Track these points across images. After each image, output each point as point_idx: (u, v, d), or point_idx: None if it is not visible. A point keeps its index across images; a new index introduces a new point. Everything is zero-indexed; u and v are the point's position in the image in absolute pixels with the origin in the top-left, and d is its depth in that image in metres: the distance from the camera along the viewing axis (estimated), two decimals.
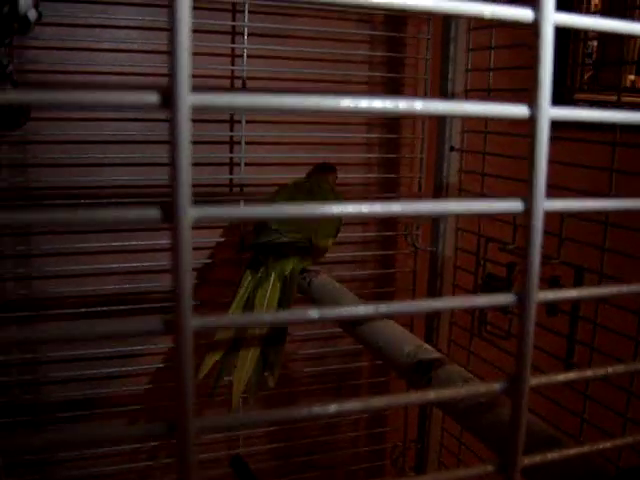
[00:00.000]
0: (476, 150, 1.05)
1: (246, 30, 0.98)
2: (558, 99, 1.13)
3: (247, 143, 1.02)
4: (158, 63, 0.96)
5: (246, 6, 0.97)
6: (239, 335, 0.76)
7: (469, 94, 1.07)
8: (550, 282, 0.93)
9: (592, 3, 1.19)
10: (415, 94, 1.14)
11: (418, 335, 1.14)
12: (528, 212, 0.26)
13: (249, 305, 0.78)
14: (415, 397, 0.28)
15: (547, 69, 0.25)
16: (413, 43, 1.13)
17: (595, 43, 1.23)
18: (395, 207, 0.25)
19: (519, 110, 0.25)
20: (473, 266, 1.07)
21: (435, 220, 1.12)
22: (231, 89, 1.02)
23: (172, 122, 0.21)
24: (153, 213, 0.22)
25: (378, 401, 0.26)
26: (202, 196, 0.97)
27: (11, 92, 0.21)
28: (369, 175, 1.14)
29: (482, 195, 1.05)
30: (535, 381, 0.27)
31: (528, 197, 0.26)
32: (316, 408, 0.25)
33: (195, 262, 1.01)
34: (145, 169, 0.98)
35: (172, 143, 0.21)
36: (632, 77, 1.29)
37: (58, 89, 0.21)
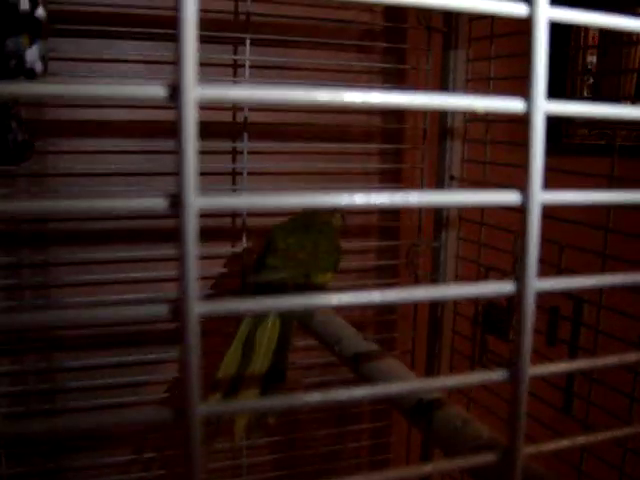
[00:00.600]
0: (476, 180, 1.07)
1: (247, 63, 1.00)
2: (556, 124, 1.14)
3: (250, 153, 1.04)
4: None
5: (247, 41, 0.99)
6: (239, 373, 0.76)
7: (469, 84, 1.09)
8: (550, 312, 0.94)
9: (589, 36, 1.21)
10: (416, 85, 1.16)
11: (419, 361, 1.16)
12: (525, 204, 0.26)
13: (249, 342, 0.78)
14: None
15: (542, 63, 0.26)
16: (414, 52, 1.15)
17: (595, 58, 1.25)
18: (397, 197, 0.26)
19: (514, 104, 0.26)
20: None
21: (436, 248, 1.12)
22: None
23: (178, 112, 0.22)
24: (159, 202, 0.23)
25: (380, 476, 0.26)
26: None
27: (30, 85, 0.22)
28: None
29: (482, 224, 1.06)
30: (529, 451, 0.28)
31: (525, 190, 0.26)
32: (316, 395, 0.26)
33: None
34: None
35: (178, 132, 0.22)
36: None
37: (71, 83, 0.22)
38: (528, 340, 0.27)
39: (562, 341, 0.94)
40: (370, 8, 1.10)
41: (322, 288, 0.86)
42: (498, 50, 1.04)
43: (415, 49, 1.12)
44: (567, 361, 0.29)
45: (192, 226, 0.22)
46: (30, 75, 0.62)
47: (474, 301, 1.08)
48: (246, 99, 0.23)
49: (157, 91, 0.22)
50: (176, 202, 0.22)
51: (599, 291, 0.88)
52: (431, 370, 1.16)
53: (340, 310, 0.95)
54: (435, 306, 1.15)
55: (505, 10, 0.26)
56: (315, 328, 0.83)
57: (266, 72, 1.05)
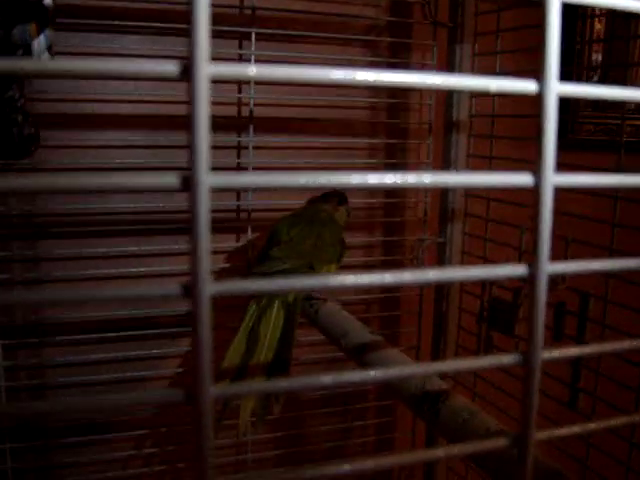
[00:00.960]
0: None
1: (253, 57, 1.00)
2: (562, 101, 1.15)
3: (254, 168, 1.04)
4: (168, 90, 0.97)
5: (253, 35, 0.99)
6: (244, 363, 0.76)
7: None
8: (556, 307, 0.94)
9: (594, 29, 1.21)
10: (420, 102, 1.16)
11: (424, 357, 1.16)
12: (537, 186, 0.26)
13: (254, 333, 0.79)
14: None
15: (554, 44, 0.26)
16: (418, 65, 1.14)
17: (600, 56, 1.25)
18: (410, 178, 0.26)
19: (527, 86, 0.26)
20: (479, 290, 1.07)
21: (441, 244, 1.12)
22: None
23: (191, 89, 0.22)
24: (171, 180, 0.23)
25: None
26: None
27: (47, 62, 0.22)
28: (373, 200, 1.15)
29: (487, 219, 1.06)
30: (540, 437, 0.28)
31: (537, 172, 0.26)
32: (326, 378, 0.26)
33: None
34: (155, 194, 0.99)
35: (190, 109, 0.22)
36: None
37: (82, 61, 0.22)
38: (541, 323, 0.27)
39: (568, 336, 0.94)
40: (375, 3, 1.10)
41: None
42: (504, 45, 1.04)
43: (421, 44, 1.12)
44: (578, 346, 0.29)
45: (204, 203, 0.22)
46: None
47: (479, 296, 1.07)
48: (258, 76, 0.23)
49: (170, 68, 0.22)
50: (188, 180, 0.22)
51: (605, 286, 0.88)
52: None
53: (345, 305, 0.95)
54: (440, 302, 1.14)
55: None
56: (320, 322, 0.84)
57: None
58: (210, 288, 0.23)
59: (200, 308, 0.23)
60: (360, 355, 0.73)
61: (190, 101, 0.22)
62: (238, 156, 1.05)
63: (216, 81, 0.22)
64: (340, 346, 0.77)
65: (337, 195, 0.96)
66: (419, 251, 1.12)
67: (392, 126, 1.16)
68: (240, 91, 1.04)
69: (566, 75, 1.21)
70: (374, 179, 0.25)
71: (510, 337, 1.02)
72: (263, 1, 1.00)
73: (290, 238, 0.85)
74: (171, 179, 0.23)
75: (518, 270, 0.27)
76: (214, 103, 0.85)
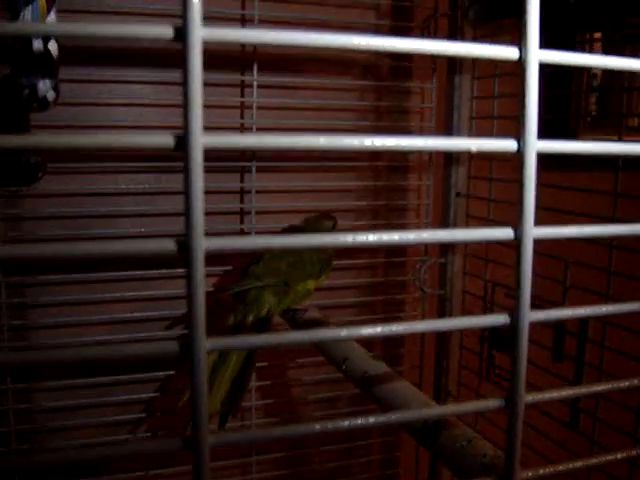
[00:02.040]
0: (482, 196, 1.08)
1: (255, 84, 1.02)
2: (562, 137, 1.16)
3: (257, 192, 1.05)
4: (171, 116, 0.99)
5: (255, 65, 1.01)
6: (213, 373, 0.81)
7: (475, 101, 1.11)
8: (556, 328, 0.95)
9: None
10: (421, 121, 1.17)
11: (427, 376, 1.16)
12: (519, 240, 0.28)
13: (213, 372, 0.82)
14: None
15: (533, 105, 0.27)
16: (418, 92, 1.16)
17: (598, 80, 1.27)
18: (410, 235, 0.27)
19: (508, 144, 0.27)
20: (481, 310, 1.09)
21: (443, 265, 1.13)
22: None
23: (184, 49, 0.23)
24: (166, 140, 0.24)
25: None
26: None
27: (45, 25, 0.23)
28: (375, 222, 1.16)
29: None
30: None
31: (518, 225, 0.28)
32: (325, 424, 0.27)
33: None
34: (158, 219, 1.00)
35: (184, 72, 0.23)
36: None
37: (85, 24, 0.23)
38: (523, 369, 0.28)
39: (568, 357, 0.95)
40: (376, 26, 1.12)
41: (305, 292, 0.88)
42: (504, 68, 1.05)
43: (421, 67, 1.14)
44: (562, 389, 0.30)
45: (198, 162, 0.23)
46: (43, 104, 0.64)
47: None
48: (253, 40, 0.24)
49: (164, 31, 0.23)
50: (182, 140, 0.23)
51: (606, 283, 0.88)
52: (439, 386, 1.16)
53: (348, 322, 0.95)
54: None
55: (498, 54, 0.27)
56: (322, 346, 0.85)
57: (273, 91, 1.07)
58: (205, 245, 0.24)
59: (195, 263, 0.24)
60: (363, 384, 0.74)
61: (184, 63, 0.23)
62: (242, 116, 1.06)
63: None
64: (341, 370, 0.79)
65: (329, 217, 0.97)
66: (421, 272, 1.14)
67: (393, 170, 1.17)
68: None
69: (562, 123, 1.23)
70: (374, 237, 0.26)
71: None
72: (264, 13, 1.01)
73: (270, 256, 0.87)
74: (166, 139, 0.24)
75: (499, 319, 0.28)
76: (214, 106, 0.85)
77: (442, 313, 1.15)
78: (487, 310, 1.07)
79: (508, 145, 0.27)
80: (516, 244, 0.28)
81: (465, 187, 1.12)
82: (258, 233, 1.06)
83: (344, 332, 0.26)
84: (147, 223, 1.00)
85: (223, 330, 0.83)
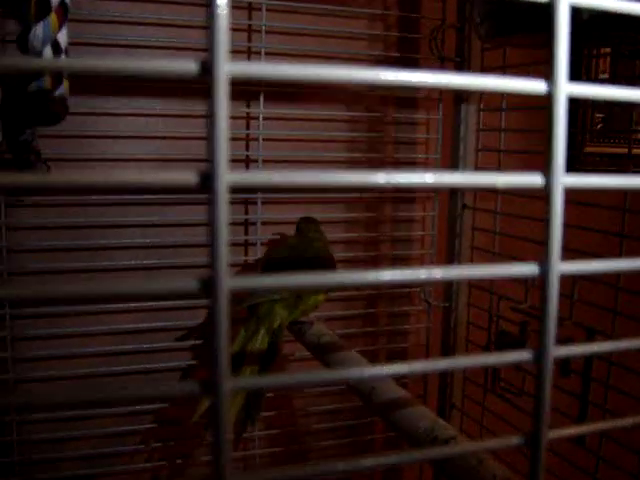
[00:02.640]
0: (489, 209, 1.08)
1: (261, 117, 1.02)
2: (569, 149, 1.16)
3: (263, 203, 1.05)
4: (178, 149, 0.99)
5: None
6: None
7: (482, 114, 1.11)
8: (562, 342, 0.94)
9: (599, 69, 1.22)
10: (427, 152, 1.17)
11: (432, 389, 1.16)
12: (544, 275, 0.27)
13: (239, 358, 0.82)
14: None
15: (561, 140, 0.27)
16: (424, 122, 1.16)
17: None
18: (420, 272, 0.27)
19: (533, 180, 0.27)
20: (486, 323, 1.08)
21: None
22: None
23: (211, 88, 0.23)
24: (190, 178, 0.23)
25: None
26: None
27: (61, 60, 0.23)
28: (381, 233, 1.16)
29: (494, 258, 1.07)
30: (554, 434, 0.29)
31: (544, 261, 0.27)
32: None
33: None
34: (166, 229, 1.00)
35: (210, 109, 0.23)
36: None
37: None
38: (553, 323, 0.27)
39: (575, 372, 0.94)
40: (383, 38, 1.12)
41: (313, 305, 0.88)
42: (511, 99, 1.05)
43: (427, 97, 1.15)
44: (586, 425, 0.30)
45: (224, 199, 0.23)
46: (55, 116, 0.64)
47: (486, 329, 1.08)
48: (279, 75, 0.24)
49: (189, 66, 0.23)
50: (207, 178, 0.23)
51: (612, 322, 0.89)
52: (444, 398, 1.16)
53: (351, 337, 0.95)
54: (447, 334, 1.15)
55: (525, 88, 0.27)
56: (307, 344, 0.86)
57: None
58: (229, 283, 0.23)
59: (219, 304, 0.23)
60: (365, 394, 0.73)
61: (210, 96, 0.22)
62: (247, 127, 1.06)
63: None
64: (365, 399, 0.76)
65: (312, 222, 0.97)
66: (425, 290, 1.13)
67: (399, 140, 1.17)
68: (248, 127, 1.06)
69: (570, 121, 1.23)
70: (389, 275, 0.26)
71: (517, 370, 1.03)
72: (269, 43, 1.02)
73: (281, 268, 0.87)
74: (190, 177, 0.23)
75: (530, 269, 0.27)
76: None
77: (447, 325, 1.15)
78: (492, 323, 1.07)
79: (533, 181, 0.27)
80: (541, 280, 0.27)
81: (472, 199, 1.11)
82: None
83: (369, 371, 0.26)
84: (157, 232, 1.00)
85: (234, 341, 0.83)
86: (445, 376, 1.15)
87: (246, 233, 1.07)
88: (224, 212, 0.23)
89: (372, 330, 1.16)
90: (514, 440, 0.29)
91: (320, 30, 1.05)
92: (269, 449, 1.09)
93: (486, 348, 1.09)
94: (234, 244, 1.06)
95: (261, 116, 1.02)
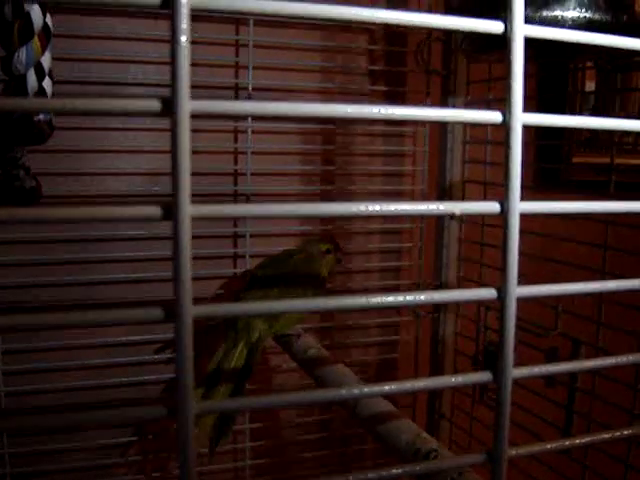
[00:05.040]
0: (475, 221, 1.09)
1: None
2: (555, 160, 1.17)
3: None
4: (167, 162, 0.99)
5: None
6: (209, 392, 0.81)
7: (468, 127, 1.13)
8: (548, 352, 0.95)
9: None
10: (413, 187, 1.18)
11: (421, 400, 1.17)
12: (502, 300, 0.28)
13: (216, 373, 0.82)
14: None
15: (516, 167, 0.28)
16: (411, 155, 1.17)
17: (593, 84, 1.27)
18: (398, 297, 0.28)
19: (491, 206, 0.28)
20: (474, 333, 1.09)
21: (436, 287, 1.14)
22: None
23: (173, 123, 0.24)
24: (153, 211, 0.24)
25: None
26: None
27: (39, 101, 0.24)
28: (370, 245, 1.17)
29: (481, 264, 1.08)
30: (513, 452, 0.30)
31: (502, 286, 0.28)
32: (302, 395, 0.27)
33: None
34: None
35: (173, 143, 0.24)
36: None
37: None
38: (511, 345, 0.28)
39: (561, 383, 0.95)
40: (370, 52, 1.13)
41: (296, 318, 0.88)
42: (496, 93, 1.06)
43: (414, 92, 1.15)
44: (545, 443, 0.30)
45: (186, 233, 0.24)
46: (39, 138, 0.65)
47: (474, 340, 1.09)
48: (241, 111, 0.25)
49: (151, 104, 0.24)
50: (170, 209, 0.24)
51: (596, 333, 0.90)
52: (433, 408, 1.17)
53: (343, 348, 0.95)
54: (436, 345, 1.16)
55: (482, 118, 0.28)
56: (322, 381, 0.86)
57: None
58: (193, 312, 0.24)
59: (183, 329, 0.24)
60: (352, 407, 0.74)
61: (173, 133, 0.24)
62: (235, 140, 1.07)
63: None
64: (350, 412, 0.77)
65: (330, 242, 0.95)
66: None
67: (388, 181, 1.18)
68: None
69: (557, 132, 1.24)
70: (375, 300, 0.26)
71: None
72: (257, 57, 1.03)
73: (262, 281, 0.88)
74: (153, 210, 0.24)
75: (489, 293, 0.28)
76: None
77: (435, 336, 1.16)
78: (480, 334, 1.07)
79: (492, 208, 0.28)
80: (500, 303, 0.28)
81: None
82: None
83: (357, 390, 0.27)
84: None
85: (213, 356, 0.84)
86: (447, 387, 1.16)
87: (235, 246, 1.08)
88: (187, 242, 0.24)
89: (361, 341, 1.17)
90: (477, 458, 0.29)
91: (306, 44, 1.06)
92: (259, 460, 1.10)
93: (474, 358, 1.10)
94: (223, 257, 1.07)
95: (250, 130, 1.03)
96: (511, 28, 0.27)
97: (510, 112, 0.28)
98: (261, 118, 1.04)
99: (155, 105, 0.23)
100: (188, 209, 0.24)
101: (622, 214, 0.83)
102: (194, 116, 0.24)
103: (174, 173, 0.24)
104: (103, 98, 0.23)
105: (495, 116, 0.28)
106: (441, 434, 1.16)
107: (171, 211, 0.24)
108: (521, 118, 0.28)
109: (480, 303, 1.06)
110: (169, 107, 0.23)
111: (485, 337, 1.07)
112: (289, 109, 0.25)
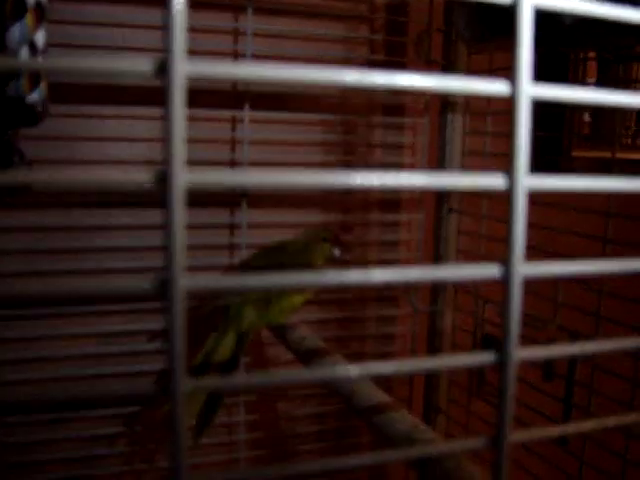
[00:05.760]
0: (474, 212, 1.08)
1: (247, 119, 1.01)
2: (556, 153, 1.16)
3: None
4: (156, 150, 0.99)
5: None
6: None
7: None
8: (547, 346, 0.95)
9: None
10: (414, 159, 1.17)
11: (417, 391, 1.16)
12: (507, 277, 0.27)
13: (206, 363, 0.83)
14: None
15: (523, 140, 0.27)
16: (411, 127, 1.16)
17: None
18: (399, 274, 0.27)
19: (495, 180, 0.27)
20: (472, 327, 1.08)
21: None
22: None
23: (167, 86, 0.23)
24: (146, 177, 0.23)
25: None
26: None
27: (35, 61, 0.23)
28: (368, 237, 1.16)
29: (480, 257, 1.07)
30: (517, 437, 0.29)
31: (506, 263, 0.27)
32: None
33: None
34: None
35: (166, 107, 0.23)
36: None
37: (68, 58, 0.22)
38: (516, 325, 0.27)
39: (559, 376, 0.94)
40: (369, 41, 1.12)
41: (290, 307, 0.87)
42: (496, 104, 1.06)
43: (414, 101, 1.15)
44: (549, 428, 0.29)
45: (179, 199, 0.23)
46: (32, 119, 0.64)
47: (472, 333, 1.08)
48: (241, 75, 0.24)
49: (143, 65, 0.22)
50: (162, 179, 0.23)
51: (595, 326, 0.89)
52: (429, 400, 1.16)
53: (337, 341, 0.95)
54: (433, 338, 1.15)
55: (488, 89, 0.27)
56: (291, 347, 0.86)
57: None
58: (185, 283, 0.23)
59: (175, 302, 0.23)
60: (346, 396, 0.73)
61: (166, 97, 0.22)
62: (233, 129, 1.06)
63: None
64: (347, 403, 0.76)
65: (329, 232, 0.94)
66: (412, 292, 1.13)
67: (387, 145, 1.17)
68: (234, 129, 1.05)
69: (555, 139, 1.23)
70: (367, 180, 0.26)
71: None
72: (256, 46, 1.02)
73: (253, 269, 0.88)
74: (145, 176, 0.23)
75: (492, 270, 0.27)
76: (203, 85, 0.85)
77: (433, 329, 1.15)
78: (478, 327, 1.07)
79: (495, 182, 0.27)
80: (505, 282, 0.27)
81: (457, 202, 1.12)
82: None
83: (353, 371, 0.26)
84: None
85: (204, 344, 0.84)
86: (430, 379, 1.15)
87: (231, 235, 1.06)
88: (180, 212, 0.23)
89: (359, 334, 1.16)
90: (478, 442, 0.29)
91: (306, 32, 1.05)
92: (254, 452, 1.09)
93: (472, 351, 1.09)
94: (219, 247, 1.06)
95: (247, 119, 1.02)
96: None
97: (517, 84, 0.27)
98: (259, 105, 1.03)
99: (147, 66, 0.22)
100: (182, 176, 0.23)
101: (623, 206, 0.83)
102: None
103: (167, 140, 0.23)
104: (92, 57, 0.22)
105: (501, 87, 0.27)
106: (437, 428, 1.15)
107: (165, 178, 0.23)
108: (528, 90, 0.27)
109: (478, 295, 1.06)
110: (163, 69, 0.22)
111: (483, 331, 1.06)
112: (289, 74, 0.24)
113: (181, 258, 0.23)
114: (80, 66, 0.22)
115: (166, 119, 0.22)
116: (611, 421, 0.32)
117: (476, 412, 1.09)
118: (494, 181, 0.27)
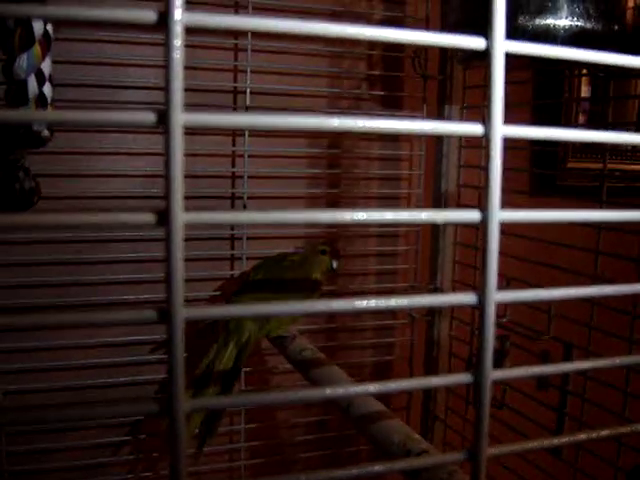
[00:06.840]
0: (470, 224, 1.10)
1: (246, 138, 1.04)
2: (550, 166, 1.18)
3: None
4: (162, 163, 1.00)
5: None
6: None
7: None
8: (540, 356, 0.97)
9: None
10: (410, 190, 1.19)
11: (416, 402, 1.18)
12: (481, 305, 0.29)
13: (207, 374, 0.84)
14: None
15: (496, 177, 0.29)
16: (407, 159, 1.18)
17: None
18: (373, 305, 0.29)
19: (471, 215, 0.29)
20: (469, 336, 1.10)
21: (431, 291, 1.15)
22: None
23: (166, 136, 0.25)
24: (147, 218, 0.25)
25: None
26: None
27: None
28: (367, 248, 1.18)
29: (475, 267, 1.09)
30: (493, 451, 0.31)
31: (481, 291, 0.29)
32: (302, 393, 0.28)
33: None
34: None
35: (166, 151, 0.25)
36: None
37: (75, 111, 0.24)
38: (490, 348, 0.29)
39: (553, 385, 0.96)
40: (366, 57, 1.14)
41: (289, 320, 0.89)
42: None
43: (411, 97, 1.16)
44: (524, 442, 0.31)
45: (178, 237, 0.25)
46: (39, 142, 0.66)
47: (469, 343, 1.10)
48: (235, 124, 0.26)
49: (146, 117, 0.25)
50: (163, 216, 0.25)
51: (588, 336, 0.91)
52: (427, 409, 1.18)
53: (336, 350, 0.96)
54: (431, 347, 1.17)
55: (463, 131, 0.29)
56: (289, 358, 0.88)
57: None
58: (184, 312, 0.25)
59: (175, 331, 0.25)
60: (345, 407, 0.75)
61: (166, 144, 0.24)
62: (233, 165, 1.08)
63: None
64: (344, 413, 0.78)
65: (328, 244, 0.95)
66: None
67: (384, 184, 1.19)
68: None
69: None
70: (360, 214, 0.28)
71: (497, 384, 1.05)
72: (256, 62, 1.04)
73: (253, 283, 0.90)
74: (147, 217, 0.25)
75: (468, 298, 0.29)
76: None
77: (430, 339, 1.17)
78: (474, 337, 1.09)
79: (471, 216, 0.29)
80: (479, 308, 0.29)
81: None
82: None
83: (352, 389, 0.28)
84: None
85: (204, 357, 0.86)
86: (429, 389, 1.17)
87: (232, 247, 1.09)
88: (179, 247, 0.25)
89: (357, 343, 1.18)
90: (458, 456, 0.31)
91: (304, 49, 1.08)
92: (254, 460, 1.11)
93: (468, 361, 1.11)
94: (220, 258, 1.08)
95: (246, 154, 1.05)
96: (492, 44, 0.28)
97: (490, 124, 0.29)
98: (258, 144, 1.06)
99: (149, 117, 0.24)
100: (181, 216, 0.25)
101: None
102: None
103: (167, 182, 0.25)
104: (98, 111, 0.24)
105: (475, 128, 0.29)
106: (435, 436, 1.17)
107: (164, 218, 0.25)
108: (501, 130, 0.29)
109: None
110: (162, 119, 0.24)
111: (478, 340, 1.08)
112: (282, 122, 0.26)
113: (180, 291, 0.25)
114: (86, 119, 0.24)
115: (166, 166, 0.24)
116: (604, 432, 0.34)
117: (473, 420, 1.10)
118: (470, 215, 0.29)
